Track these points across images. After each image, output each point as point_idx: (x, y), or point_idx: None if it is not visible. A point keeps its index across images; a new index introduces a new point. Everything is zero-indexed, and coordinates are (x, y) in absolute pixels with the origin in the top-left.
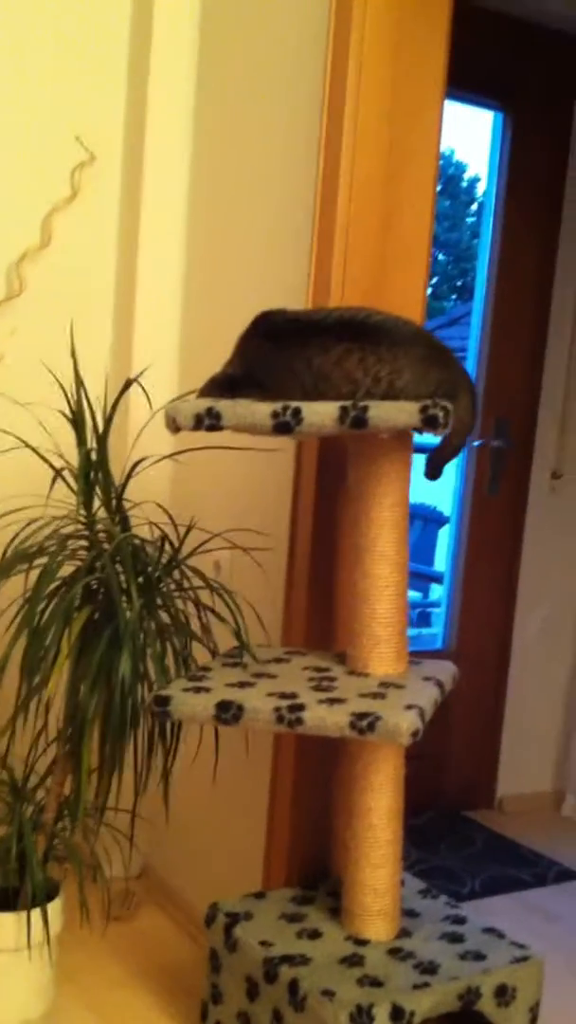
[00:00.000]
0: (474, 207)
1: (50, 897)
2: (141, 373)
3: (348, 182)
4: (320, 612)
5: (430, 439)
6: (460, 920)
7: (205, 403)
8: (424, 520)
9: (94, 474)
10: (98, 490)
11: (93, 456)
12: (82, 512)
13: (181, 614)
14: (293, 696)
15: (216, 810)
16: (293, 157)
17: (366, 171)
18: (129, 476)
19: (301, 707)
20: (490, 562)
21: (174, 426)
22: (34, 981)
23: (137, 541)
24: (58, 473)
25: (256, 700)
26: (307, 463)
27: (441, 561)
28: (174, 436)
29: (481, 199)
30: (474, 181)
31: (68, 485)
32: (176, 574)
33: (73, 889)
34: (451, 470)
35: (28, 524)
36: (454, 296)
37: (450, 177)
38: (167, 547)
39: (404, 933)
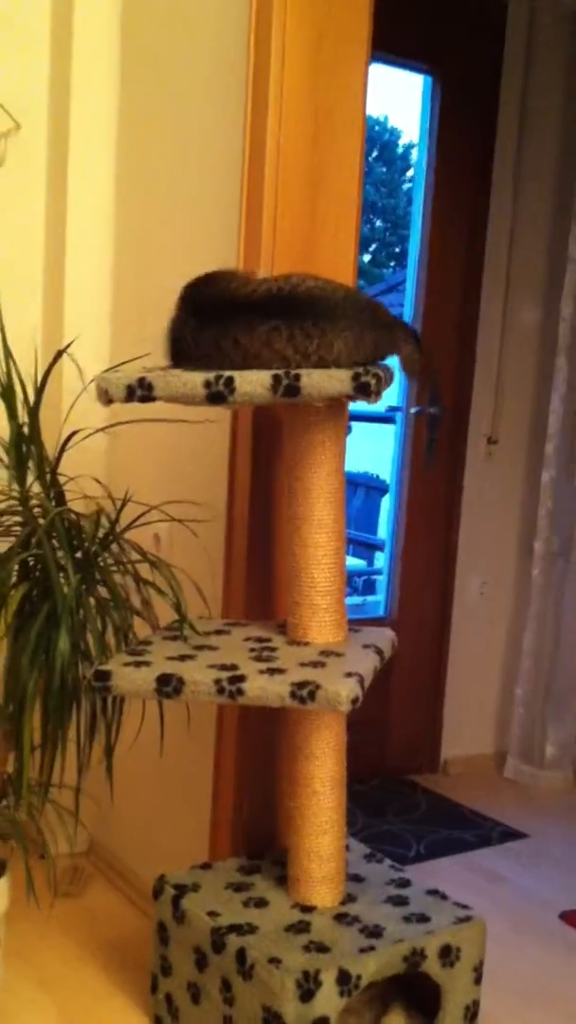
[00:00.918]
0: (410, 173)
1: None
2: (71, 343)
3: (275, 147)
4: (259, 582)
5: (366, 407)
6: (404, 883)
7: (136, 374)
8: (367, 488)
9: (26, 448)
10: (31, 464)
11: (25, 430)
12: (15, 487)
13: (120, 588)
14: (234, 667)
15: (161, 783)
16: (219, 123)
17: (293, 135)
18: (63, 449)
19: (242, 678)
20: (429, 529)
21: (106, 398)
22: None
23: (73, 516)
24: None
25: (197, 673)
26: (242, 433)
27: (384, 529)
28: (107, 408)
29: (415, 164)
30: (409, 147)
31: None
32: (114, 548)
33: (20, 867)
34: (389, 438)
35: None
36: (392, 263)
37: (385, 143)
38: (104, 521)
39: (349, 898)
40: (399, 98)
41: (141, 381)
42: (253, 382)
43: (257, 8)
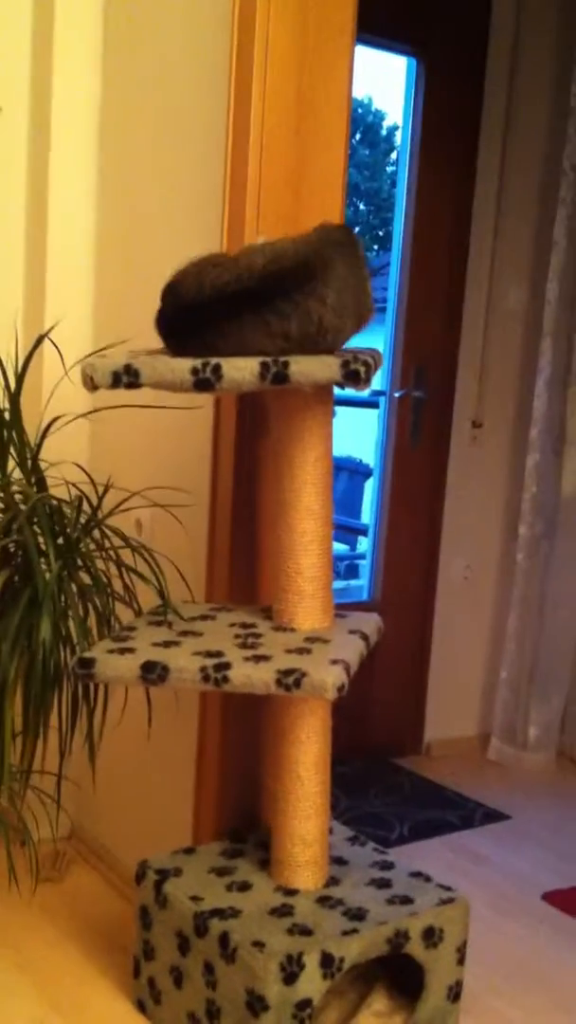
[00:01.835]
0: (393, 156)
1: None
2: (52, 328)
3: (259, 130)
4: (243, 568)
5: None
6: (388, 866)
7: (123, 360)
8: (350, 472)
9: (7, 434)
10: (12, 450)
11: (6, 416)
12: None
13: (102, 574)
14: (219, 654)
15: (144, 768)
16: (203, 106)
17: (277, 118)
18: (44, 435)
19: (227, 665)
20: (413, 513)
21: (91, 384)
22: None
23: (54, 502)
24: None
25: (182, 659)
26: (226, 418)
27: (367, 513)
28: (90, 394)
29: (399, 147)
30: (393, 129)
31: None
32: (96, 534)
33: (1, 853)
34: (373, 422)
35: None
36: (376, 246)
37: (368, 125)
38: (85, 507)
39: (333, 881)
40: (383, 80)
41: (127, 367)
42: (241, 369)
43: None
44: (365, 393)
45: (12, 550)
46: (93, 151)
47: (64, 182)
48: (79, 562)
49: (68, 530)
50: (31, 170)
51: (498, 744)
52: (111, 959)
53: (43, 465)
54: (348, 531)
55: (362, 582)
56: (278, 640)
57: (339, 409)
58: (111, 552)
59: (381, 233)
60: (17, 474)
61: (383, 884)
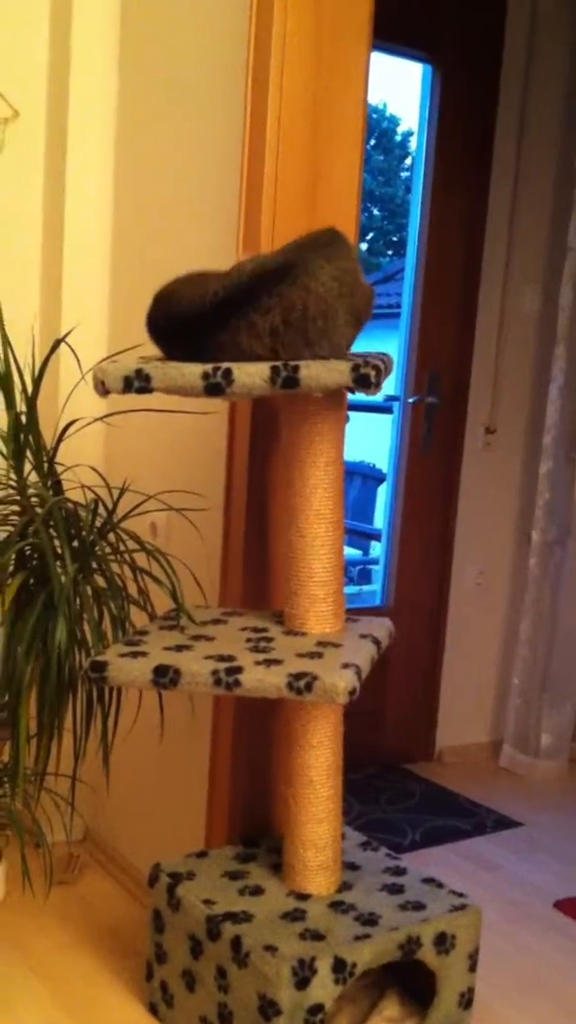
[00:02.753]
0: (408, 161)
1: None
2: (68, 333)
3: (275, 136)
4: (257, 572)
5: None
6: (400, 871)
7: (134, 364)
8: (363, 478)
9: (24, 437)
10: (29, 454)
11: (23, 419)
12: (12, 477)
13: (117, 578)
14: (231, 658)
15: (157, 772)
16: (219, 111)
17: (293, 124)
18: (60, 439)
19: (239, 669)
20: (426, 518)
21: (103, 389)
22: None
23: (70, 505)
24: None
25: (194, 664)
26: (240, 423)
27: (380, 518)
28: (105, 398)
29: (414, 153)
30: (407, 135)
31: None
32: (111, 537)
33: (15, 855)
34: (387, 427)
35: None
36: (390, 252)
37: (383, 131)
38: (101, 510)
39: (345, 886)
40: (398, 85)
41: (139, 372)
42: (252, 374)
43: None
44: (378, 398)
45: (28, 553)
46: (109, 156)
47: (80, 187)
48: (94, 565)
49: (84, 533)
50: (48, 175)
51: (510, 751)
52: (123, 962)
53: (59, 468)
54: (361, 536)
55: (375, 587)
56: (289, 644)
57: (353, 414)
58: (126, 555)
59: (395, 239)
60: (33, 477)
61: (395, 890)
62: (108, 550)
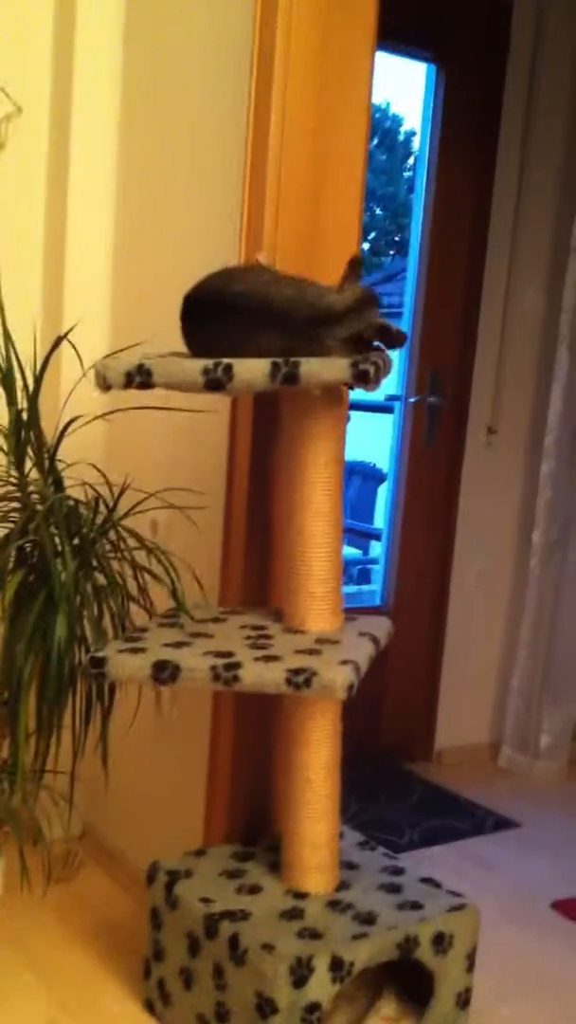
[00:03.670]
0: (411, 161)
1: None
2: (71, 329)
3: (279, 134)
4: (256, 570)
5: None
6: (398, 871)
7: (135, 360)
8: (363, 477)
9: (25, 434)
10: (30, 451)
11: (24, 416)
12: (13, 473)
13: (117, 575)
14: (230, 655)
15: (156, 769)
16: (223, 110)
17: (297, 123)
18: (61, 436)
19: (238, 665)
20: (427, 518)
21: (104, 384)
22: None
23: (71, 502)
24: None
25: (193, 659)
26: (242, 420)
27: (381, 518)
28: (106, 395)
29: (417, 153)
30: (410, 135)
31: None
32: (112, 535)
33: (13, 852)
34: (388, 427)
35: None
36: (392, 251)
37: (386, 130)
38: (102, 507)
39: (343, 885)
40: (401, 85)
41: (139, 367)
42: (252, 369)
43: None
44: (380, 397)
45: (29, 550)
46: (112, 155)
47: (83, 184)
48: (94, 562)
49: (84, 530)
50: (51, 172)
51: (509, 751)
52: (121, 960)
53: (60, 465)
54: (361, 535)
55: (375, 587)
56: (288, 641)
57: (354, 413)
58: (126, 553)
59: (397, 238)
60: (35, 474)
61: (393, 889)
62: (108, 547)
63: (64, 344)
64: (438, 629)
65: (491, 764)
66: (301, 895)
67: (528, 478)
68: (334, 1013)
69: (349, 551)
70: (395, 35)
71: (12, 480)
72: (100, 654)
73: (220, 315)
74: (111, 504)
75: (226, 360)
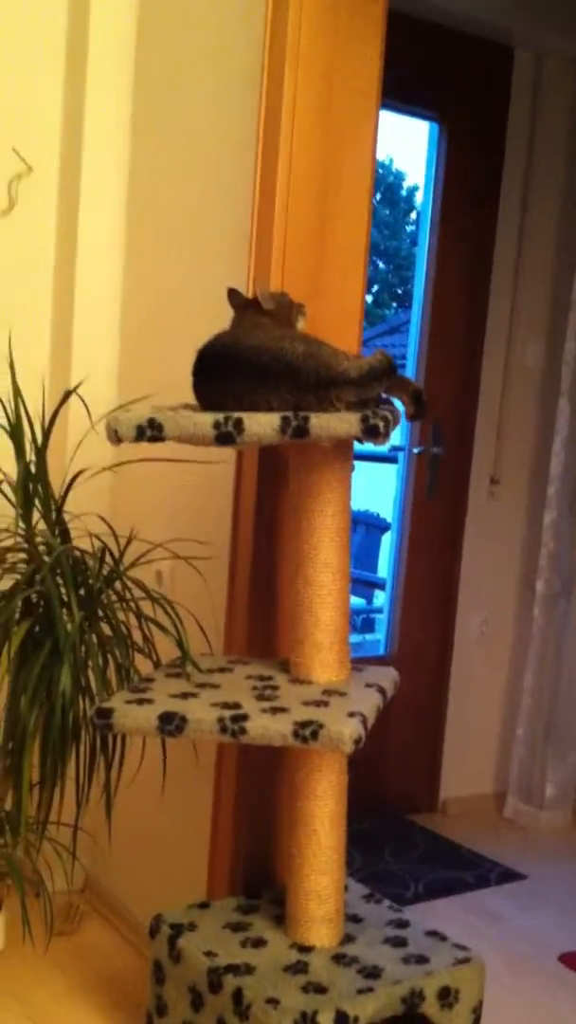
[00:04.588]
0: (413, 215)
1: None
2: (79, 384)
3: (284, 194)
4: (262, 620)
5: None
6: (403, 924)
7: (147, 413)
8: (367, 526)
9: (33, 486)
10: (37, 503)
11: (32, 468)
12: (21, 525)
13: (123, 626)
14: (236, 706)
15: (159, 821)
16: (229, 172)
17: (302, 184)
18: (68, 488)
19: (244, 717)
20: (430, 567)
21: (115, 438)
22: None
23: (77, 553)
24: None
25: (199, 711)
26: (247, 471)
27: (384, 567)
28: (115, 447)
29: (419, 208)
30: (413, 190)
31: (7, 498)
32: (117, 585)
33: (15, 904)
34: (391, 477)
35: None
36: (395, 304)
37: (389, 185)
38: (108, 558)
39: (348, 939)
40: (404, 141)
41: (151, 421)
42: (263, 423)
43: (268, 56)
44: (384, 448)
45: (35, 600)
46: (121, 212)
47: (92, 242)
48: (100, 613)
49: (90, 581)
50: (60, 230)
51: (514, 802)
52: (123, 1014)
53: (67, 517)
54: (365, 585)
55: (379, 636)
56: (295, 692)
57: (358, 464)
58: (132, 603)
59: (400, 291)
60: (42, 525)
61: (398, 942)
62: (114, 598)
63: (72, 398)
64: (442, 678)
65: (496, 815)
66: (306, 948)
67: (531, 528)
68: None
69: (353, 600)
70: (398, 94)
71: (20, 532)
72: (107, 705)
73: (231, 369)
74: (117, 555)
75: (236, 414)
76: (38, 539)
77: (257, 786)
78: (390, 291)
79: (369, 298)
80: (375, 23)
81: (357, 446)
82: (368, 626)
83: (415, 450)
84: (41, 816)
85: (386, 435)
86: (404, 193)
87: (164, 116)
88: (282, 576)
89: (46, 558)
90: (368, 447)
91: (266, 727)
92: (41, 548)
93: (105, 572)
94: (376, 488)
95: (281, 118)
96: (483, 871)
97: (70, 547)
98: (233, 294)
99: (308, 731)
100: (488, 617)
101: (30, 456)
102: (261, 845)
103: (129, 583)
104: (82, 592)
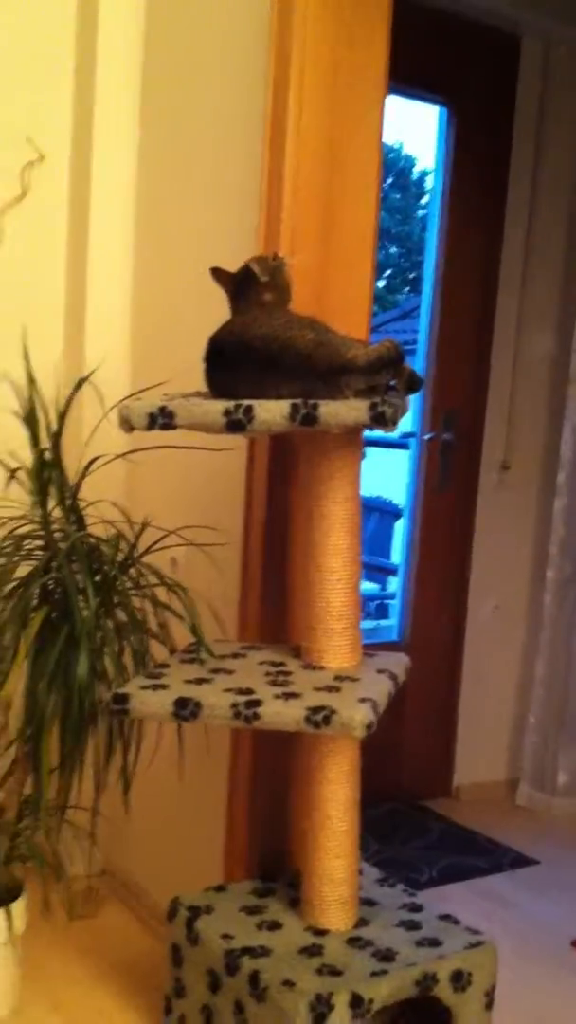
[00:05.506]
0: (424, 200)
1: (14, 897)
2: (92, 372)
3: (292, 180)
4: (275, 606)
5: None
6: (417, 908)
7: (158, 402)
8: (380, 513)
9: (48, 474)
10: (52, 490)
11: (47, 456)
12: (37, 512)
13: (138, 612)
14: (250, 692)
15: (176, 805)
16: (237, 158)
17: (309, 171)
18: (83, 475)
19: (258, 702)
20: (442, 554)
21: (127, 426)
22: (0, 981)
23: (92, 540)
24: (12, 473)
25: (213, 696)
26: (259, 459)
27: (397, 553)
28: (128, 435)
29: (430, 192)
30: (424, 174)
31: (22, 485)
32: (132, 572)
33: (36, 888)
34: (403, 463)
35: None
36: (407, 289)
37: (400, 170)
38: (123, 545)
39: (362, 922)
40: (414, 126)
41: (162, 409)
42: (272, 411)
43: (275, 42)
44: (395, 435)
45: (51, 587)
46: (132, 199)
47: (103, 230)
48: (115, 599)
49: (106, 568)
50: (72, 218)
51: (527, 789)
52: (141, 997)
53: (82, 504)
54: (378, 571)
55: (392, 622)
56: (308, 678)
57: (370, 450)
58: (147, 590)
59: (412, 276)
60: (57, 512)
61: (412, 926)
62: (129, 585)
63: (86, 385)
64: (454, 664)
65: (509, 801)
66: (321, 932)
67: (541, 515)
68: None
69: (367, 586)
70: (406, 79)
71: (36, 519)
72: (123, 691)
73: (241, 357)
74: (132, 542)
75: (246, 402)
76: (54, 526)
77: (272, 771)
78: (402, 276)
79: (381, 283)
80: (382, 8)
81: (368, 432)
82: (383, 612)
83: (426, 436)
84: (60, 800)
85: (394, 422)
86: (415, 178)
87: (173, 102)
88: (294, 563)
89: (62, 545)
90: (379, 433)
91: (279, 713)
92: (57, 535)
93: (120, 559)
94: (389, 474)
95: (288, 103)
96: (496, 857)
97: (85, 534)
98: (218, 273)
99: (320, 716)
100: (500, 603)
101: (45, 443)
102: (276, 829)
103: (144, 570)
104: (98, 579)
